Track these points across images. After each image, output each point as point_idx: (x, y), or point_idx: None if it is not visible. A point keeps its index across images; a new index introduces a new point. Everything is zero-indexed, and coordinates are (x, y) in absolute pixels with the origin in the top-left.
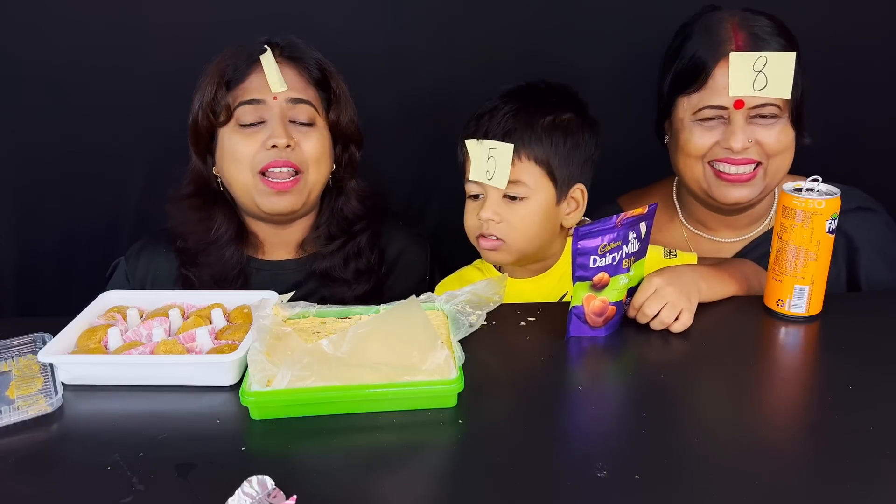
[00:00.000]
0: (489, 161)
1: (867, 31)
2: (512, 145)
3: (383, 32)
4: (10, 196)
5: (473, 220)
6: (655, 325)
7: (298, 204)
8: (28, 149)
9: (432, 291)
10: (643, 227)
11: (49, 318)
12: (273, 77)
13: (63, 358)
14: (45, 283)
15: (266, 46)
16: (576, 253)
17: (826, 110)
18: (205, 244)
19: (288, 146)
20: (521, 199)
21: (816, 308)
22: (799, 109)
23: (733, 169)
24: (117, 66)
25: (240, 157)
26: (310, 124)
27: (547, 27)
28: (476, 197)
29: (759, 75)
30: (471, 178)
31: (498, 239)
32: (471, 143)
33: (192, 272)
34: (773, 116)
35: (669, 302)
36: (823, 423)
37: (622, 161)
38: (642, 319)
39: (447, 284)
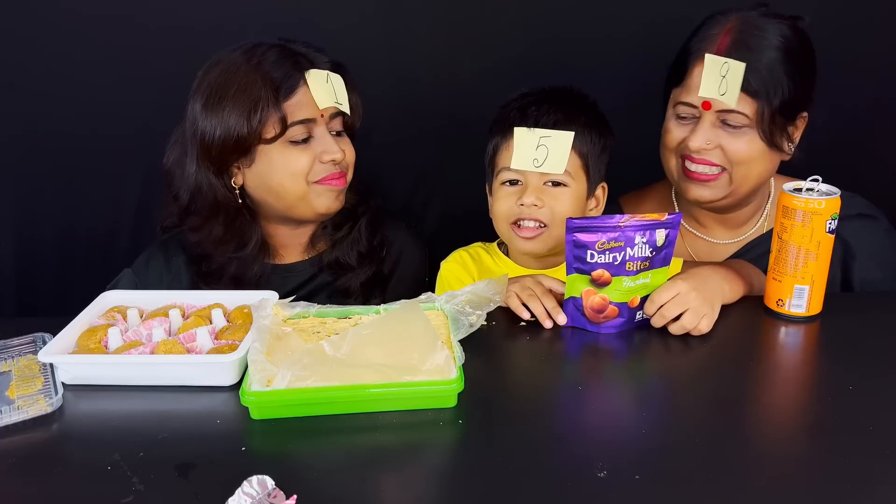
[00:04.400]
0: (538, 149)
1: (869, 30)
2: (572, 133)
3: (383, 30)
4: (10, 196)
5: (510, 206)
6: (675, 330)
7: (344, 201)
8: (28, 149)
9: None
10: (661, 234)
11: (49, 318)
12: (320, 94)
13: (63, 358)
14: (45, 283)
15: (311, 60)
16: (571, 244)
17: (827, 113)
18: (229, 259)
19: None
20: (563, 185)
21: (816, 308)
22: (772, 123)
23: (693, 167)
24: (118, 66)
25: (297, 171)
26: (341, 132)
27: (549, 28)
28: (513, 184)
29: (724, 81)
30: (512, 167)
31: (540, 225)
32: (520, 131)
33: (214, 287)
34: (740, 126)
35: (692, 308)
36: (823, 423)
37: (624, 161)
38: (658, 322)
39: (450, 266)
